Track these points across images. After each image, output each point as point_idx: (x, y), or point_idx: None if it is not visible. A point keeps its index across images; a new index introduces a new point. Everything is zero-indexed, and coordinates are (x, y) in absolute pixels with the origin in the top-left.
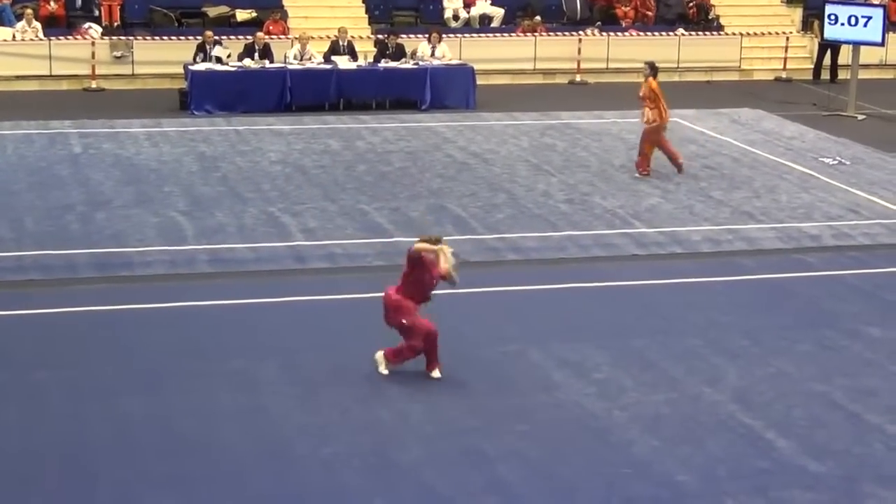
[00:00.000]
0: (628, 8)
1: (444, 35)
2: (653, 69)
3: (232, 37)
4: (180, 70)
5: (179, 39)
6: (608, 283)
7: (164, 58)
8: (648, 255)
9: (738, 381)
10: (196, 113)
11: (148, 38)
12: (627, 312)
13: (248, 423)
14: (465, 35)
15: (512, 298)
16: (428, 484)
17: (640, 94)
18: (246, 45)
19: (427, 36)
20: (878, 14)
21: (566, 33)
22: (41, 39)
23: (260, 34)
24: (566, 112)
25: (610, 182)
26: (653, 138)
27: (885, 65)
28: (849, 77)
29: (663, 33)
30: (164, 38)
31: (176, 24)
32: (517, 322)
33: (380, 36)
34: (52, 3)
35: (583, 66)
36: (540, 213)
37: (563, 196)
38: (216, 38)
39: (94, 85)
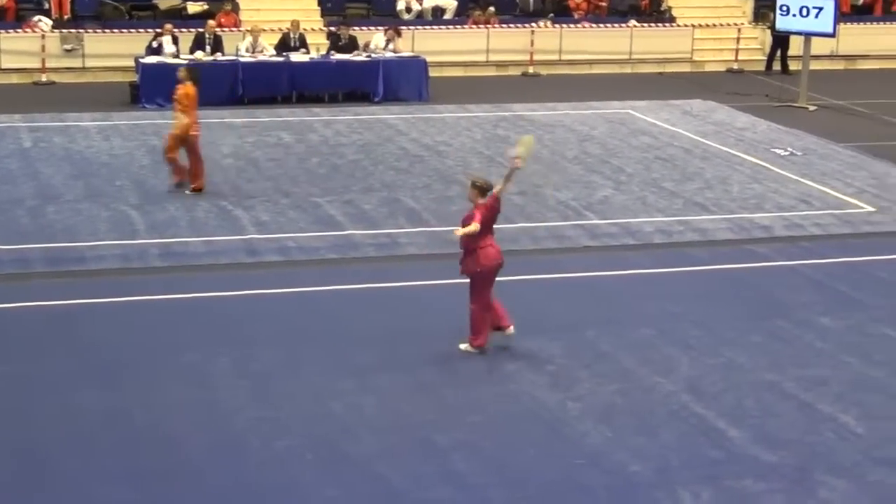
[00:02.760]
0: (581, 0)
1: (400, 29)
2: (192, 74)
3: (183, 29)
4: (131, 63)
5: (130, 32)
6: (561, 274)
7: (114, 51)
8: (601, 247)
9: (691, 372)
10: (147, 106)
11: (98, 30)
12: (580, 304)
13: (202, 417)
14: (418, 27)
15: (464, 291)
16: (381, 476)
17: (176, 97)
18: (196, 36)
19: (384, 30)
20: (829, 5)
21: (519, 25)
22: None
23: (211, 23)
24: (519, 104)
25: (563, 174)
26: (180, 144)
27: (837, 56)
28: (800, 68)
29: (615, 25)
30: (115, 30)
31: (127, 17)
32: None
33: (332, 28)
34: None
35: (536, 57)
36: None
37: (515, 188)
38: (175, 31)
39: (44, 78)
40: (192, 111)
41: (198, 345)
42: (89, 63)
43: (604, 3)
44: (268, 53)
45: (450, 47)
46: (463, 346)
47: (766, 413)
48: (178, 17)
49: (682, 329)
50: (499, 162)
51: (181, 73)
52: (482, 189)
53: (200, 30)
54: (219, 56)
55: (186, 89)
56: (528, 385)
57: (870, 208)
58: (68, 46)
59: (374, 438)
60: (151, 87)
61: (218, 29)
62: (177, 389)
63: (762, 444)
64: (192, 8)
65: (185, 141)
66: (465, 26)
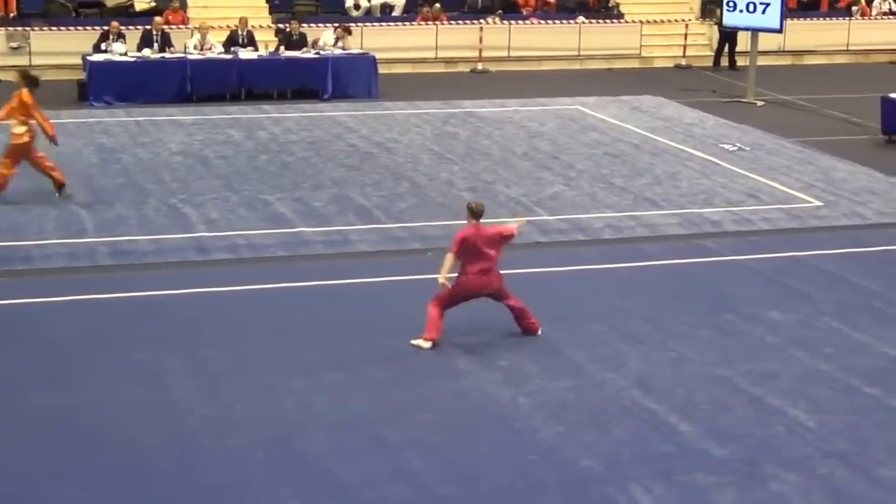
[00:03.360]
0: None
1: (349, 27)
2: (28, 80)
3: (131, 27)
4: (79, 61)
5: (77, 30)
6: (511, 270)
7: (61, 48)
8: (551, 243)
9: (641, 367)
10: (95, 104)
11: (45, 28)
12: (531, 299)
13: (153, 416)
14: (367, 24)
15: (415, 287)
16: (333, 473)
17: (12, 106)
18: (144, 33)
19: (334, 28)
20: (775, 1)
21: (468, 22)
22: None
23: (158, 20)
24: (468, 100)
25: (512, 170)
26: (21, 155)
27: (783, 51)
28: (748, 64)
29: (564, 21)
30: (62, 28)
31: (73, 15)
32: (420, 310)
33: (281, 25)
34: None
35: (484, 54)
36: (443, 201)
37: (465, 184)
38: (121, 28)
39: None
40: (31, 118)
41: (148, 344)
42: (36, 61)
43: (552, 1)
44: (216, 51)
45: (398, 44)
46: (414, 342)
47: (716, 407)
48: (126, 14)
49: (633, 324)
50: (448, 159)
51: (15, 78)
52: (472, 211)
53: (148, 27)
54: (167, 53)
55: (22, 96)
56: (480, 381)
57: (817, 203)
58: (14, 44)
59: (326, 436)
60: (99, 84)
61: (165, 26)
62: (127, 388)
63: (713, 439)
64: (140, 5)
65: (23, 150)
66: (414, 23)
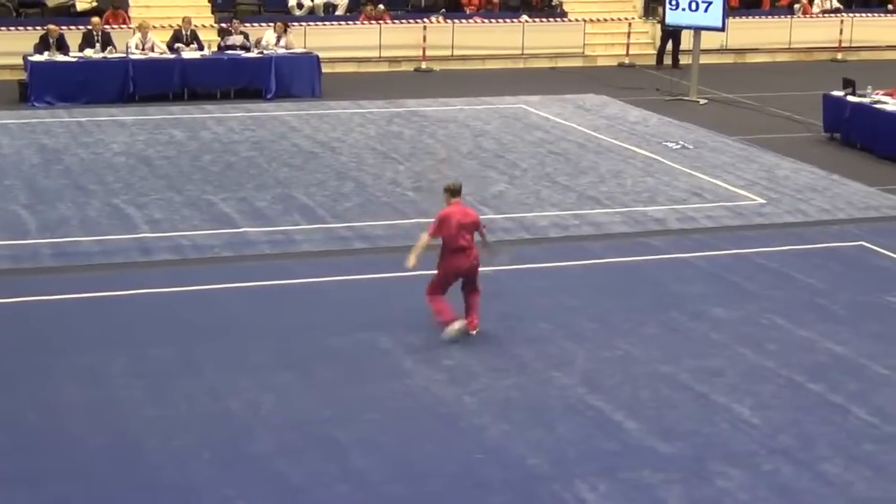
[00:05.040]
0: None
1: (289, 24)
2: None
3: (73, 27)
4: (19, 61)
5: (18, 30)
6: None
7: (2, 49)
8: (496, 241)
9: (587, 365)
10: (37, 104)
11: None
12: None
13: (98, 417)
14: (310, 23)
15: (360, 287)
16: (280, 474)
17: None
18: (85, 34)
19: (273, 25)
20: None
21: (411, 21)
22: None
23: (96, 20)
24: (412, 100)
25: (457, 169)
26: None
27: (726, 49)
28: (691, 62)
29: (507, 20)
30: (3, 28)
31: (14, 14)
32: (366, 310)
33: (223, 24)
34: None
35: (428, 53)
36: (388, 201)
37: (410, 184)
38: (61, 29)
39: None
40: None
41: (92, 345)
42: None
43: (495, 0)
44: (158, 50)
45: (342, 43)
46: (447, 335)
47: (662, 405)
48: (68, 14)
49: (578, 322)
50: (393, 158)
51: None
52: (452, 191)
53: (89, 27)
54: (109, 53)
55: None
56: (426, 381)
57: (760, 200)
58: None
59: (272, 436)
60: (41, 85)
61: (106, 26)
62: (71, 390)
63: (658, 436)
64: (81, 5)
65: None
66: (357, 22)
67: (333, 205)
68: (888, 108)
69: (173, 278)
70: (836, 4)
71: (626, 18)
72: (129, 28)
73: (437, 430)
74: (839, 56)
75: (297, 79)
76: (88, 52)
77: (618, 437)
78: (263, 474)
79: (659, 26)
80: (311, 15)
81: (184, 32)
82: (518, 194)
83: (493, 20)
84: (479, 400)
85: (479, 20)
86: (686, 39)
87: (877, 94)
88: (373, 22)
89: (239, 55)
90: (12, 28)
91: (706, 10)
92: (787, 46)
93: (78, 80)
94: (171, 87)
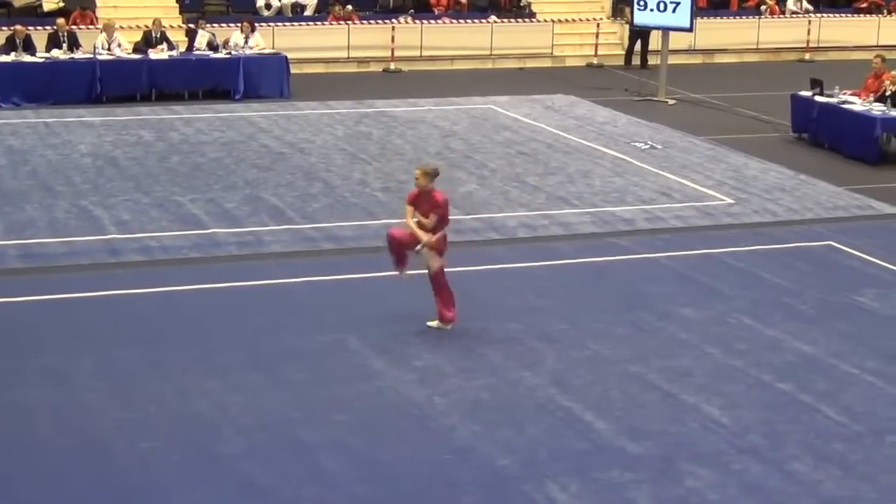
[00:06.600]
0: None
1: (256, 24)
2: None
3: (39, 27)
4: None
5: None
6: (426, 270)
7: None
8: (465, 242)
9: (556, 365)
10: (3, 105)
11: None
12: None
13: (65, 420)
14: (278, 24)
15: (329, 287)
16: (248, 475)
17: None
18: (50, 34)
19: (239, 25)
20: (686, 0)
21: (379, 21)
22: None
23: (61, 21)
24: (381, 100)
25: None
26: None
27: (694, 50)
28: (659, 62)
29: (476, 21)
30: None
31: None
32: (335, 311)
33: (191, 25)
34: None
35: (397, 54)
36: (357, 201)
37: (379, 184)
38: (27, 30)
39: None
40: None
41: (59, 347)
42: None
43: (464, 0)
44: (124, 50)
45: (310, 44)
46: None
47: (631, 404)
48: (34, 14)
49: (548, 322)
50: (361, 159)
51: None
52: (435, 174)
53: (55, 28)
54: (76, 54)
55: None
56: (395, 381)
57: (729, 200)
58: None
59: (241, 438)
60: (7, 85)
61: (73, 26)
62: (38, 392)
63: (628, 436)
64: (48, 6)
65: None
66: (326, 23)
67: (302, 205)
68: (855, 108)
69: (141, 280)
70: (806, 6)
71: (595, 19)
72: (97, 28)
73: (406, 430)
74: (807, 56)
75: (265, 80)
76: (55, 53)
77: (588, 437)
78: (232, 476)
79: (627, 27)
80: (280, 15)
81: (154, 34)
82: (487, 195)
83: (461, 21)
84: (450, 400)
85: (447, 21)
86: (654, 40)
87: (844, 94)
88: (341, 22)
89: (207, 56)
90: None
91: (674, 11)
92: (755, 47)
93: (45, 80)
94: (138, 87)
